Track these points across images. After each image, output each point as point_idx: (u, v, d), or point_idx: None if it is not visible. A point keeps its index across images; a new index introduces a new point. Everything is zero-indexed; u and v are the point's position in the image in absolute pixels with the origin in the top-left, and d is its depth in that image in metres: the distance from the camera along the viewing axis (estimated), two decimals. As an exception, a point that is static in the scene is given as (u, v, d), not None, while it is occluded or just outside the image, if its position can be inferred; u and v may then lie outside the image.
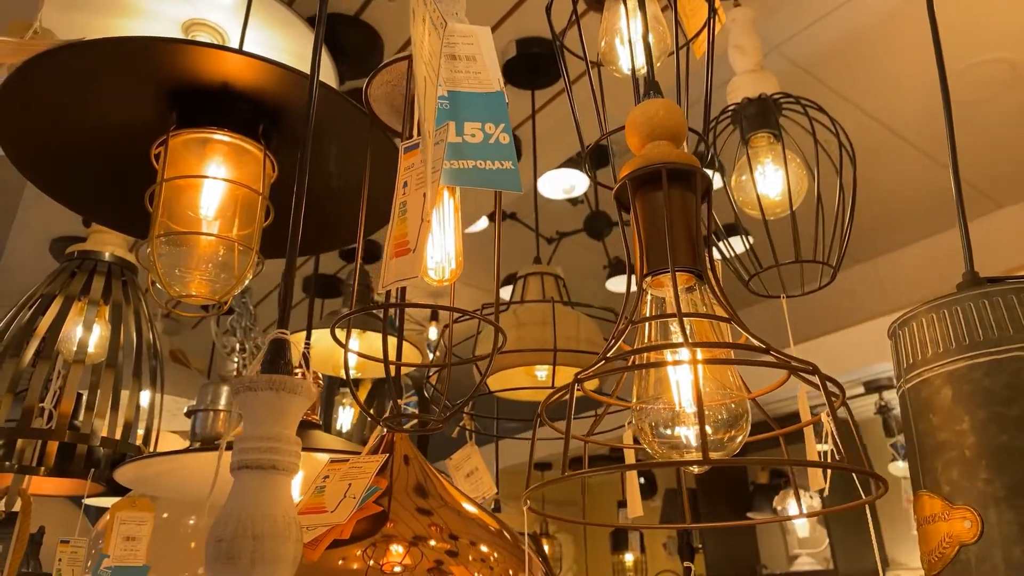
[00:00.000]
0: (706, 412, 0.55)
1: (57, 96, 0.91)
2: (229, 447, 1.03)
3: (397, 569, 0.76)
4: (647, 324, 0.60)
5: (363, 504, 0.76)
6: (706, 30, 0.91)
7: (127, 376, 1.50)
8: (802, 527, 4.29)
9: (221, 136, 0.93)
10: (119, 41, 0.89)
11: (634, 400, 0.58)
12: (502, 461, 2.00)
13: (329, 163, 1.03)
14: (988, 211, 3.96)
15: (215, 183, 0.94)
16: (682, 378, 0.55)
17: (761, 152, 1.13)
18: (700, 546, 4.96)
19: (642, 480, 4.86)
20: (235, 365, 1.97)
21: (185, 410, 1.93)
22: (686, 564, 0.96)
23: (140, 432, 1.53)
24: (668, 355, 0.56)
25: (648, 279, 0.60)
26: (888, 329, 0.70)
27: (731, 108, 1.15)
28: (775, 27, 2.67)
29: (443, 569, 0.77)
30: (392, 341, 0.67)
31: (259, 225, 0.93)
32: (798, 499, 3.85)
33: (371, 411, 0.85)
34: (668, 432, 0.56)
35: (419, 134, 0.66)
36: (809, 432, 0.87)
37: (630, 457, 1.18)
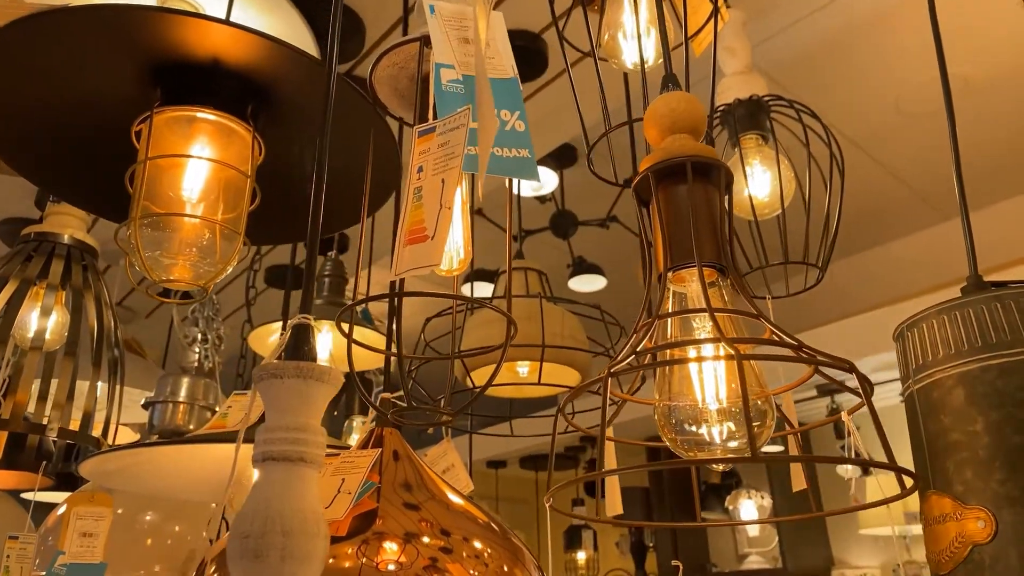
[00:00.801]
0: (733, 410, 0.54)
1: (31, 66, 0.86)
2: (215, 439, 0.99)
3: (392, 567, 0.73)
4: (668, 320, 0.59)
5: (358, 500, 0.74)
6: (708, 25, 0.91)
7: (85, 365, 1.44)
8: (752, 526, 4.37)
9: (208, 115, 0.89)
10: (100, 8, 0.85)
11: (656, 397, 0.57)
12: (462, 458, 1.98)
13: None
14: (934, 223, 4.10)
15: (199, 164, 0.90)
16: (711, 375, 0.54)
17: (750, 153, 1.13)
18: (651, 545, 5.02)
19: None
20: (196, 356, 1.91)
21: (143, 402, 1.86)
22: (674, 562, 0.96)
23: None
24: (695, 351, 0.55)
25: (669, 274, 0.59)
26: (894, 331, 0.70)
27: (721, 108, 1.15)
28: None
29: (439, 567, 0.75)
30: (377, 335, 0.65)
31: (245, 209, 0.90)
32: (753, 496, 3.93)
33: (364, 405, 0.83)
34: (693, 429, 0.55)
35: (434, 117, 0.64)
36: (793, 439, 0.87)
37: (610, 458, 1.17)
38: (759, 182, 1.13)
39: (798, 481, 1.01)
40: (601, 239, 3.44)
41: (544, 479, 5.93)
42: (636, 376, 0.63)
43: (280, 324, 1.58)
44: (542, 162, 2.70)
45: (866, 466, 0.47)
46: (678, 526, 5.17)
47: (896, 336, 0.70)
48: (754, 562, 4.34)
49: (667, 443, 0.56)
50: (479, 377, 1.17)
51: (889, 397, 3.53)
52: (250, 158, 0.91)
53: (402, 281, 0.63)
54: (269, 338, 1.64)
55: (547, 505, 0.54)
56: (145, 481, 1.22)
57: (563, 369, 1.18)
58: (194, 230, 0.88)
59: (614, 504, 1.20)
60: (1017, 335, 0.59)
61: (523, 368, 1.24)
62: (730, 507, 4.45)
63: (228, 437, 1.00)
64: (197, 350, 1.88)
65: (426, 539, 0.78)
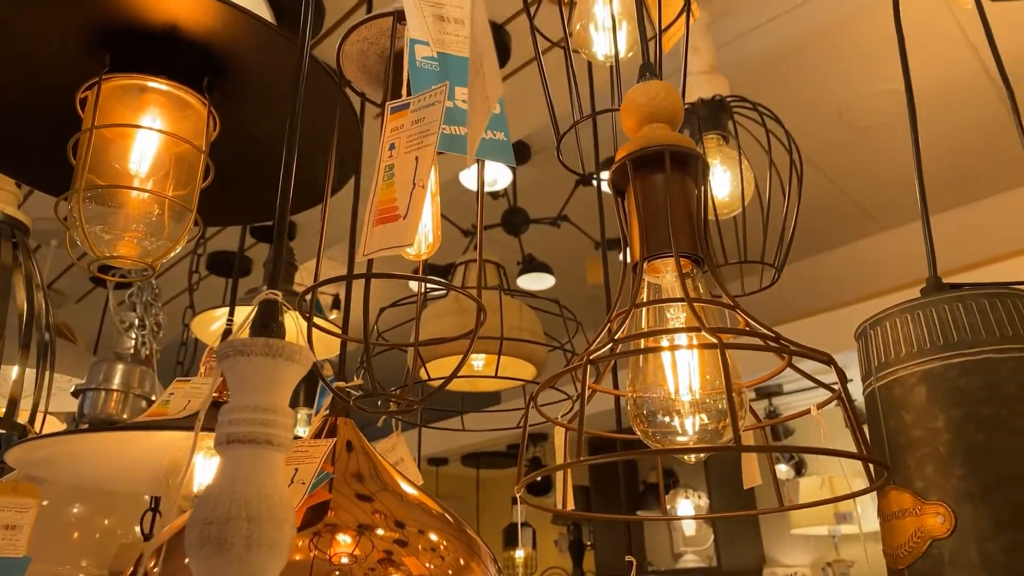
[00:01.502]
0: (706, 401, 0.54)
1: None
2: (174, 427, 0.94)
3: (345, 560, 0.71)
4: (644, 310, 0.58)
5: (312, 491, 0.71)
6: (679, 22, 0.90)
7: (12, 349, 1.36)
8: (689, 525, 4.45)
9: (160, 85, 0.84)
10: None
11: (629, 387, 0.56)
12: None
13: (276, 126, 0.96)
14: (871, 232, 4.24)
15: (149, 136, 0.85)
16: (685, 366, 0.54)
17: (711, 153, 1.14)
18: (590, 544, 5.06)
19: (538, 476, 4.90)
20: (132, 342, 1.83)
21: (72, 389, 1.77)
22: (628, 558, 0.95)
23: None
24: (670, 341, 0.54)
25: (644, 264, 0.58)
26: (856, 329, 0.71)
27: (685, 107, 1.16)
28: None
29: (394, 560, 0.73)
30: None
31: (198, 185, 0.85)
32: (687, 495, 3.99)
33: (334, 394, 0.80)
34: (666, 420, 0.54)
35: (408, 94, 0.62)
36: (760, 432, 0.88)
37: (559, 453, 1.16)
38: (720, 182, 1.14)
39: (751, 478, 1.01)
40: (552, 238, 3.45)
41: (485, 477, 5.91)
42: (607, 367, 0.62)
43: (225, 310, 1.52)
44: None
45: (839, 456, 0.47)
46: (647, 519, 5.21)
47: (858, 335, 0.71)
48: (690, 561, 4.42)
49: (639, 434, 0.56)
50: (434, 370, 1.15)
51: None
52: (205, 132, 0.87)
53: (370, 262, 0.60)
54: (212, 325, 1.58)
55: (517, 495, 0.52)
56: (76, 471, 1.16)
57: (520, 363, 1.17)
58: (142, 205, 0.83)
59: (566, 499, 1.18)
60: (978, 335, 0.61)
61: (478, 361, 1.22)
62: (668, 506, 4.52)
63: (170, 424, 0.95)
64: (134, 336, 1.81)
65: (380, 531, 0.76)
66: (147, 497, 1.39)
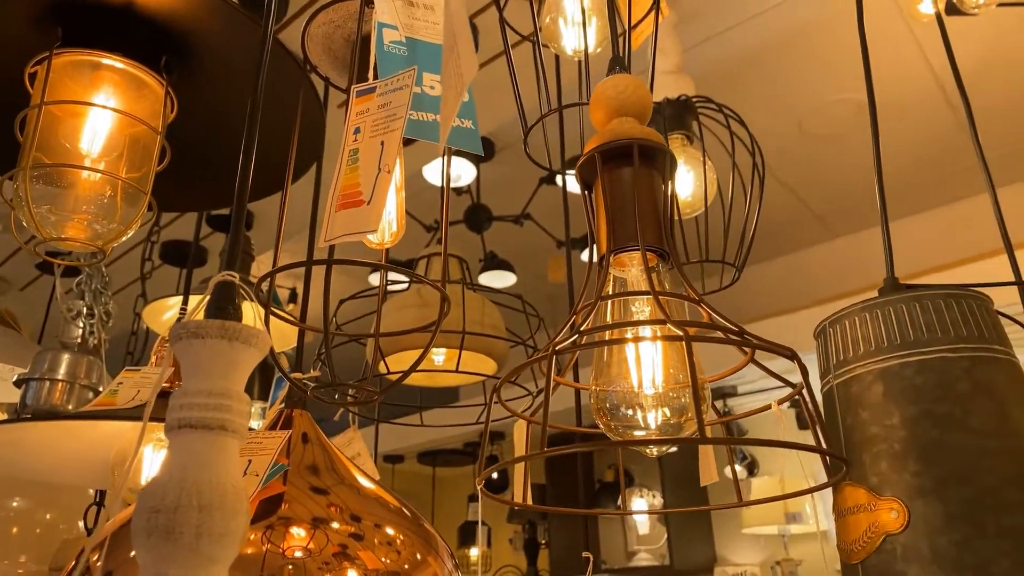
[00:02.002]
0: (670, 395, 0.53)
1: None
2: (120, 417, 0.91)
3: (299, 554, 0.69)
4: (609, 303, 0.58)
5: (267, 483, 0.69)
6: (648, 19, 0.91)
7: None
8: (643, 524, 4.49)
9: (116, 62, 0.82)
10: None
11: (592, 380, 0.56)
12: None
13: (236, 110, 0.93)
14: (824, 239, 4.34)
15: (102, 115, 0.82)
16: (649, 359, 0.54)
17: (675, 152, 1.15)
18: (544, 542, 5.07)
19: (495, 474, 4.90)
20: (79, 331, 1.78)
21: (15, 378, 1.71)
22: (585, 554, 0.95)
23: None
24: (636, 333, 0.54)
25: (611, 257, 0.58)
26: (816, 328, 0.72)
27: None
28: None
29: (349, 554, 0.71)
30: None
31: (153, 168, 0.83)
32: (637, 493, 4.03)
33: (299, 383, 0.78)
34: (629, 413, 0.54)
35: (375, 77, 0.60)
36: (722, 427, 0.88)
37: (519, 448, 1.16)
38: (683, 182, 1.15)
39: (708, 475, 1.02)
40: (514, 236, 3.45)
41: (441, 475, 5.88)
42: (571, 359, 0.62)
43: (178, 299, 1.48)
44: (459, 153, 2.68)
45: (801, 450, 0.47)
46: (604, 513, 5.23)
47: (817, 333, 0.71)
48: (643, 559, 4.46)
49: (602, 427, 0.55)
50: (394, 364, 1.13)
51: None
52: (162, 114, 0.84)
53: (332, 249, 0.59)
54: (165, 315, 1.54)
55: (478, 488, 0.51)
56: (17, 462, 1.12)
57: (481, 358, 1.16)
58: (93, 187, 0.80)
59: (526, 493, 1.18)
60: (934, 334, 0.62)
61: (439, 356, 1.21)
62: (622, 504, 4.56)
63: (118, 414, 0.92)
64: (81, 325, 1.75)
65: (336, 525, 0.74)
66: (92, 491, 1.35)
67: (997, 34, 2.78)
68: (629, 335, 0.55)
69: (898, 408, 0.61)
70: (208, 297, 0.42)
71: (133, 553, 0.71)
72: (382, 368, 1.04)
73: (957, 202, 3.69)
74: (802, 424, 3.91)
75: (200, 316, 0.42)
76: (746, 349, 0.55)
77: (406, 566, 0.73)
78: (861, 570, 0.60)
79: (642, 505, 4.44)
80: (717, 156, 1.18)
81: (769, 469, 4.19)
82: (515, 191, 3.29)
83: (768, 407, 0.58)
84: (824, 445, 0.44)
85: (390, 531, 0.77)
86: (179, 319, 1.11)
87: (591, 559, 0.94)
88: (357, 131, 0.58)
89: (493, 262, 3.26)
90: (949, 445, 0.58)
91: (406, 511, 0.83)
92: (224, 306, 0.41)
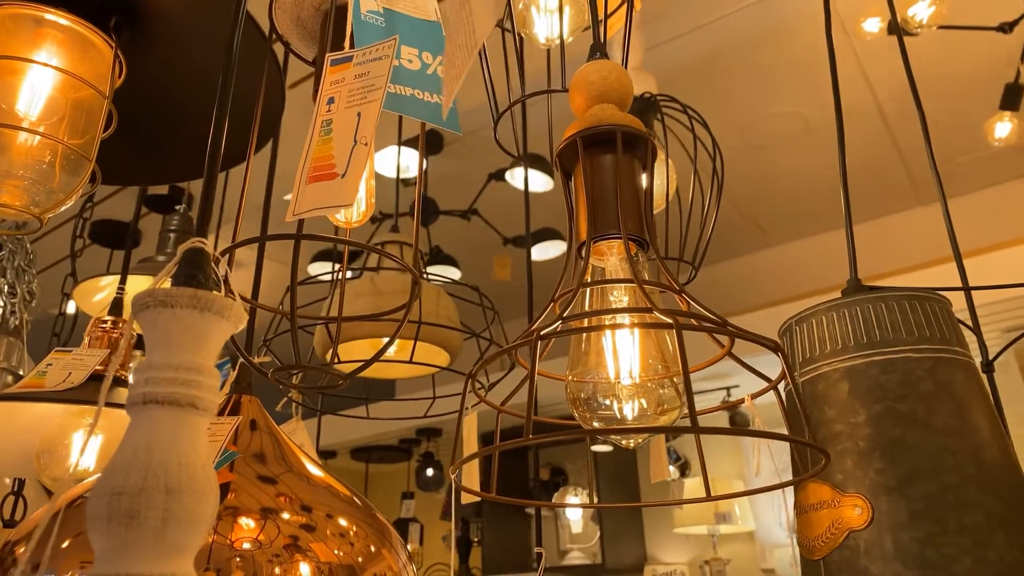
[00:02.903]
0: (649, 385, 0.53)
1: None
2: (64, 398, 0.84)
3: (247, 546, 0.66)
4: (588, 292, 0.57)
5: (217, 471, 0.65)
6: (620, 12, 0.90)
7: None
8: (576, 523, 4.52)
9: (61, 19, 0.76)
10: None
11: (568, 369, 0.55)
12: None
13: (189, 79, 0.89)
14: (761, 247, 4.45)
15: (43, 74, 0.77)
16: (627, 349, 0.53)
17: (637, 149, 1.15)
18: (477, 540, 5.05)
19: (430, 471, 4.86)
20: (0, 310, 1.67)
21: (-73, 358, 1.60)
22: (537, 550, 0.94)
23: None
24: (624, 319, 0.53)
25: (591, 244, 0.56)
26: (780, 327, 0.72)
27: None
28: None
29: (300, 545, 0.68)
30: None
31: (99, 135, 0.78)
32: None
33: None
34: (607, 403, 0.53)
35: (350, 46, 0.58)
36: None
37: (469, 441, 1.14)
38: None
39: (659, 472, 1.02)
40: (460, 231, 3.42)
41: (375, 471, 5.80)
42: (547, 347, 0.60)
43: (111, 279, 1.41)
44: (408, 144, 2.64)
45: (789, 442, 0.47)
46: (612, 507, 5.23)
47: (782, 331, 0.72)
48: (575, 558, 4.49)
49: (577, 418, 0.54)
50: (343, 353, 1.09)
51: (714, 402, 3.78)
52: (109, 78, 0.79)
53: (301, 223, 0.56)
54: (95, 296, 1.46)
55: (452, 477, 0.49)
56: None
57: (435, 350, 1.14)
58: (31, 151, 0.75)
59: (472, 487, 1.16)
60: (899, 334, 0.63)
61: (392, 346, 1.17)
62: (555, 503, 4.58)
63: (48, 396, 0.86)
64: (2, 304, 1.65)
65: (286, 515, 0.71)
66: (8, 480, 1.27)
67: (938, 55, 2.90)
68: (622, 319, 0.53)
69: (863, 406, 0.61)
70: (175, 265, 0.39)
71: (67, 543, 0.67)
72: (336, 355, 1.00)
73: (887, 217, 3.83)
74: (666, 437, 4.01)
75: (166, 286, 0.38)
76: (723, 342, 0.55)
77: (360, 559, 0.70)
78: (823, 566, 0.60)
79: (575, 503, 4.47)
80: (675, 155, 1.19)
81: (699, 470, 4.27)
82: (463, 186, 3.26)
83: (742, 401, 0.58)
84: (807, 437, 0.44)
85: (343, 522, 0.74)
86: (116, 300, 1.05)
87: (543, 555, 0.93)
88: (331, 101, 0.55)
89: (438, 256, 3.22)
90: (912, 443, 0.59)
91: (357, 501, 0.80)
92: (194, 274, 0.38)
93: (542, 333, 0.45)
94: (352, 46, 0.58)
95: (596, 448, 4.31)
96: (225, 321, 0.37)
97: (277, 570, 0.65)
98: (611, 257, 0.58)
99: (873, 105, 3.22)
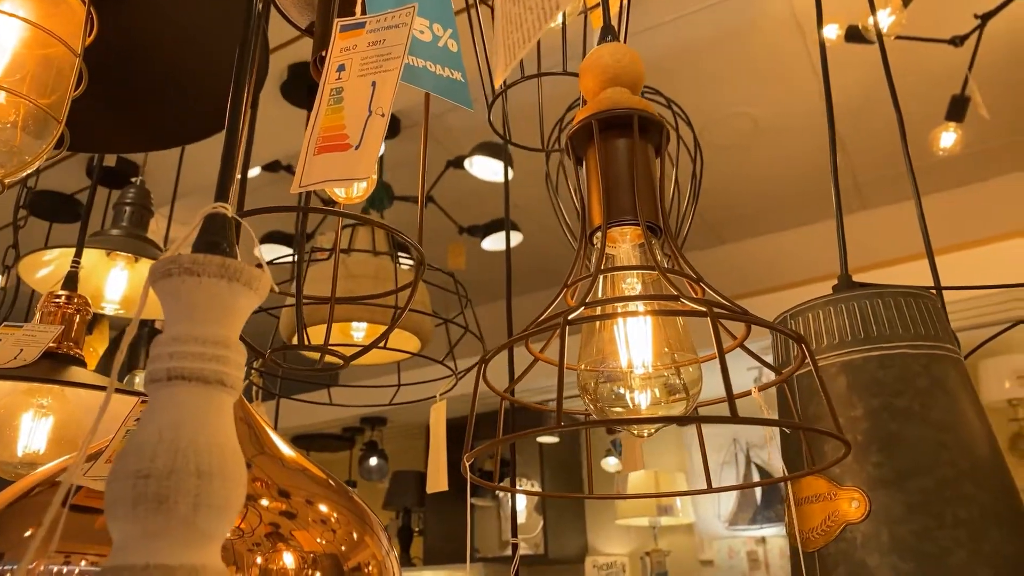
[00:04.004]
0: (665, 375, 0.52)
1: None
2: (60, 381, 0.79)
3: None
4: (600, 278, 0.55)
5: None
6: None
7: None
8: (520, 513, 4.53)
9: (29, -33, 0.71)
10: None
11: (580, 357, 0.53)
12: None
13: (166, 41, 0.84)
14: (711, 245, 4.53)
15: (8, 26, 0.71)
16: (643, 335, 0.52)
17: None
18: (418, 529, 5.02)
19: (373, 461, 4.80)
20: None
21: None
22: (513, 541, 0.93)
23: None
24: (624, 307, 0.52)
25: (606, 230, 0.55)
26: (775, 320, 0.72)
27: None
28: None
29: (281, 533, 0.65)
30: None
31: (69, 94, 0.73)
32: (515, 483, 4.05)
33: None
34: (621, 392, 0.52)
35: (362, 12, 0.55)
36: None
37: (439, 427, 1.12)
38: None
39: (632, 464, 1.02)
40: (415, 217, 3.36)
41: (316, 460, 5.69)
42: (552, 335, 0.59)
43: (57, 252, 1.33)
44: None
45: (814, 432, 0.47)
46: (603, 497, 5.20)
47: (776, 324, 0.72)
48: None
49: (589, 406, 0.53)
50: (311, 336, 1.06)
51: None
52: (80, 35, 0.74)
53: (307, 195, 0.53)
54: (40, 271, 1.38)
55: (467, 464, 0.47)
56: None
57: (407, 336, 1.11)
58: (-7, 109, 0.69)
59: (440, 480, 1.14)
60: (895, 330, 0.64)
61: (359, 332, 1.14)
62: (500, 495, 4.58)
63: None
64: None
65: (265, 502, 0.68)
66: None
67: (894, 64, 2.99)
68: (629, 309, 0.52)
69: (861, 400, 0.62)
70: (196, 231, 0.36)
71: (28, 533, 0.62)
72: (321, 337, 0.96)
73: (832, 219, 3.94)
74: (609, 430, 4.08)
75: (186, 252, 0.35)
76: (736, 334, 0.55)
77: (343, 547, 0.68)
78: (818, 557, 0.61)
79: (519, 494, 4.48)
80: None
81: (645, 463, 4.34)
82: (418, 171, 3.21)
83: (748, 393, 0.57)
84: (839, 428, 0.44)
85: (323, 508, 0.71)
86: (71, 274, 0.99)
87: (517, 547, 0.92)
88: (341, 68, 0.53)
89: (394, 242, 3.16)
90: (909, 438, 0.59)
91: (333, 483, 0.77)
92: (217, 242, 0.35)
93: (570, 318, 0.44)
94: (364, 11, 0.55)
95: (541, 440, 4.32)
96: (253, 293, 0.34)
97: (259, 559, 0.62)
98: (623, 244, 0.57)
99: (823, 110, 3.30)
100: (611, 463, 4.31)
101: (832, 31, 2.34)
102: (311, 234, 1.77)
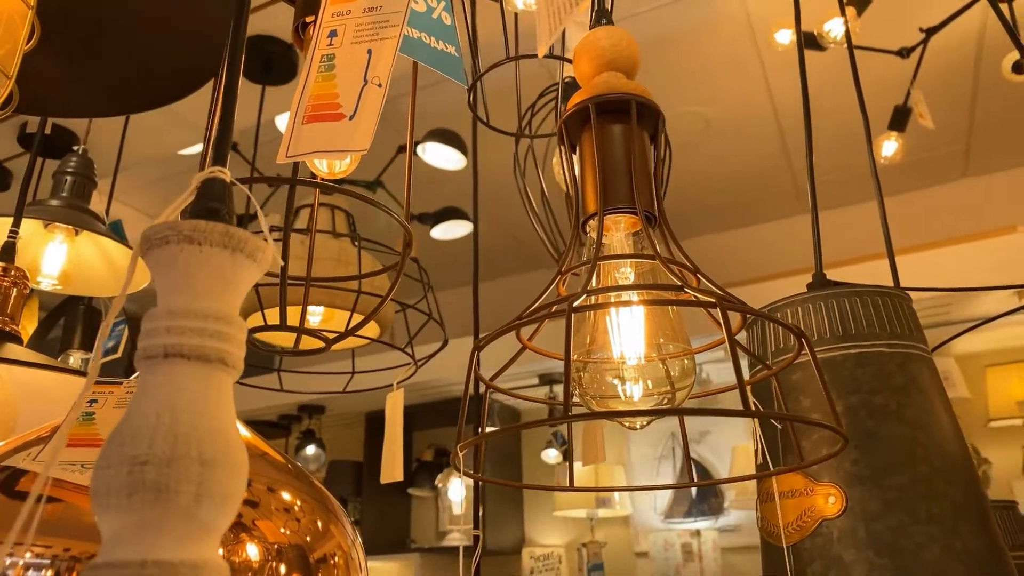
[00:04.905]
0: (660, 365, 0.51)
1: None
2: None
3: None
4: (594, 267, 0.54)
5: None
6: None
7: None
8: (457, 504, 4.52)
9: (-21, -92, 0.65)
10: None
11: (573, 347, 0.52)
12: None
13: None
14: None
15: (-48, -28, 0.65)
16: (637, 326, 0.50)
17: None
18: (355, 519, 4.96)
19: (311, 449, 4.71)
20: None
21: None
22: (475, 532, 0.91)
23: None
24: (617, 297, 0.51)
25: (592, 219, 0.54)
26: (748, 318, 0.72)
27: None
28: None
29: (244, 523, 0.62)
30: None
31: (20, 49, 0.67)
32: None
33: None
34: (614, 382, 0.50)
35: (356, -21, 0.52)
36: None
37: (395, 416, 1.09)
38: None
39: (594, 455, 1.01)
40: (363, 204, 3.30)
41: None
42: (541, 325, 0.57)
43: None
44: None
45: (810, 425, 0.47)
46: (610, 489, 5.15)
47: (750, 322, 0.72)
48: (454, 539, 4.49)
49: (578, 396, 0.51)
50: (252, 321, 1.01)
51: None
52: (33, -16, 0.68)
53: (296, 166, 0.50)
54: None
55: (460, 454, 0.45)
56: None
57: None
58: (-67, 59, 0.64)
59: (396, 470, 1.11)
60: (872, 328, 0.64)
61: (315, 317, 1.11)
62: (439, 484, 4.56)
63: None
64: None
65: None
66: None
67: (842, 72, 3.06)
68: (623, 298, 0.51)
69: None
70: (191, 196, 0.33)
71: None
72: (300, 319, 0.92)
73: (772, 221, 4.04)
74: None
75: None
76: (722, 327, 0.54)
77: (308, 537, 0.65)
78: (793, 552, 0.61)
79: (458, 485, 4.46)
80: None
81: (578, 455, 4.37)
82: (368, 155, 3.15)
83: (732, 387, 0.57)
84: (838, 420, 0.43)
85: (286, 495, 0.68)
86: (8, 243, 0.93)
87: (480, 537, 0.91)
88: (333, 34, 0.50)
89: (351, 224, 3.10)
90: (886, 435, 0.60)
91: (292, 468, 0.74)
92: (217, 208, 0.33)
93: (575, 305, 0.42)
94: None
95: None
96: (255, 265, 0.32)
97: (221, 552, 0.59)
98: (616, 232, 0.56)
99: (771, 113, 3.38)
100: (551, 455, 4.33)
101: (786, 36, 2.39)
102: (298, 210, 1.70)
